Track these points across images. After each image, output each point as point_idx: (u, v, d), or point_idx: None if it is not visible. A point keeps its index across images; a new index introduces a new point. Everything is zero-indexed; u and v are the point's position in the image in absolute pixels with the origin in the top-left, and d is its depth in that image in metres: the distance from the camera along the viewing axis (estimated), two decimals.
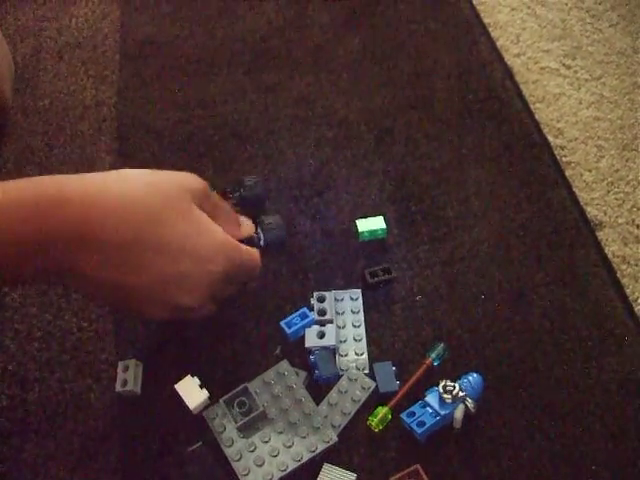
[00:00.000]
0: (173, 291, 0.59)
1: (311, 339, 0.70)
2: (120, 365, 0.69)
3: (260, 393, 0.67)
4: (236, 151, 0.89)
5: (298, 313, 0.71)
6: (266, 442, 0.64)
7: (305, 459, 0.63)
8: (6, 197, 0.52)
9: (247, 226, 0.72)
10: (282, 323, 0.70)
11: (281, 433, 0.65)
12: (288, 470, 0.63)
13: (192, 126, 0.92)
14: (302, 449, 0.64)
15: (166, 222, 0.57)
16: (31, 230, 0.52)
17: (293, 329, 0.69)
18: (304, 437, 0.64)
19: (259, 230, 0.75)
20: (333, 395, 0.68)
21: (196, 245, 0.59)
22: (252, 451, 0.64)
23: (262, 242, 0.73)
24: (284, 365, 0.69)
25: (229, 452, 0.64)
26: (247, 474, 0.63)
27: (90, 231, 0.54)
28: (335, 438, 0.65)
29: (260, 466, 0.63)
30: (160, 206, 0.57)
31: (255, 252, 0.68)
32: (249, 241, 0.71)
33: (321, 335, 0.70)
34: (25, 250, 0.53)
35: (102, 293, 0.60)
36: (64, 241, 0.53)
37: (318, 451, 0.64)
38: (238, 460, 0.64)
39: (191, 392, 0.67)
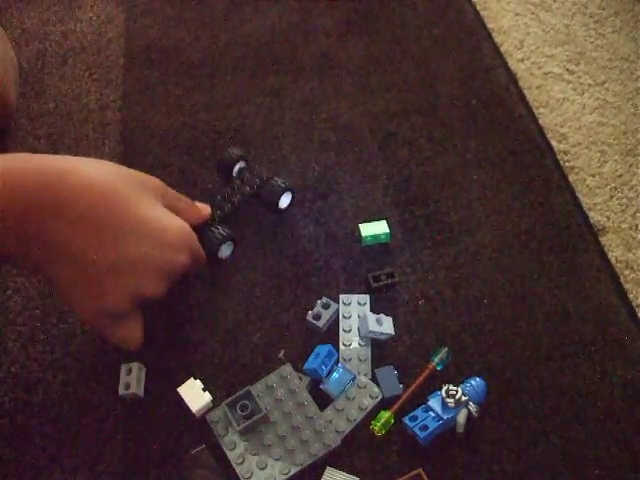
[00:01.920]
0: (138, 273, 0.62)
1: (372, 324, 0.70)
2: (123, 368, 0.69)
3: (262, 396, 0.67)
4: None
5: (324, 354, 0.69)
6: (268, 446, 0.64)
7: (307, 463, 0.63)
8: None
9: (204, 209, 0.76)
10: (309, 367, 0.69)
11: (283, 437, 0.65)
12: (290, 474, 0.63)
13: (196, 130, 0.92)
14: (304, 453, 0.64)
15: (138, 206, 0.61)
16: (13, 196, 0.55)
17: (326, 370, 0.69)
18: (306, 441, 0.64)
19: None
20: (340, 401, 0.68)
21: (165, 233, 0.62)
22: (254, 454, 0.64)
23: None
24: (287, 369, 0.69)
25: (231, 455, 0.64)
26: (249, 477, 0.63)
27: (64, 200, 0.57)
28: (338, 442, 0.65)
29: (262, 469, 0.63)
30: (133, 192, 0.61)
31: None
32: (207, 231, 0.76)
33: (380, 323, 0.71)
34: (4, 217, 0.55)
35: (65, 272, 0.60)
36: (40, 207, 0.56)
37: (320, 455, 0.64)
38: (241, 463, 0.64)
39: (194, 395, 0.67)
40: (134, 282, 0.61)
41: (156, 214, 0.62)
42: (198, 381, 0.68)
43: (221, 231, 0.76)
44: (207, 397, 0.67)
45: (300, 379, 0.68)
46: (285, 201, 0.82)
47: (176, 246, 0.64)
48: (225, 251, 0.79)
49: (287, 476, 0.63)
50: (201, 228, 0.75)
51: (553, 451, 0.66)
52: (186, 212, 0.71)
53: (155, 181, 0.67)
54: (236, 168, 0.83)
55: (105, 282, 0.60)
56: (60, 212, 0.57)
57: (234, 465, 0.64)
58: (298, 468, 0.63)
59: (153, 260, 0.62)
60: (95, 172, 0.60)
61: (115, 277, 0.60)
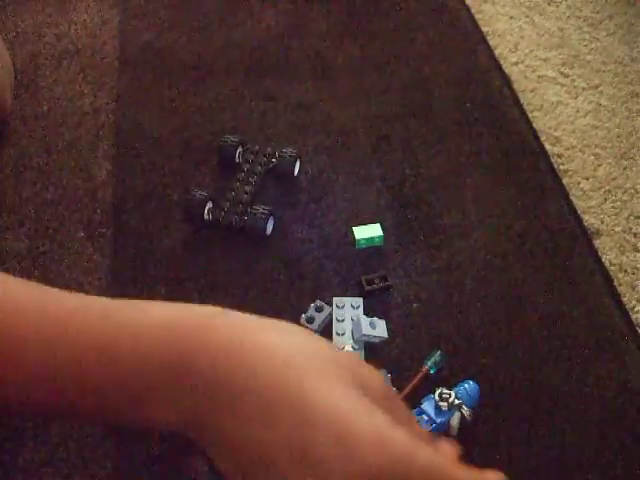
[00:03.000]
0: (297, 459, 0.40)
1: (365, 327, 0.70)
2: None
3: None
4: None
5: None
6: None
7: None
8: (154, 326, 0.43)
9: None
10: None
11: None
12: None
13: (190, 133, 0.92)
14: None
15: (315, 381, 0.42)
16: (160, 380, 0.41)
17: None
18: None
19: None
20: None
21: (347, 423, 0.40)
22: None
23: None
24: None
25: None
26: None
27: (237, 396, 0.41)
28: None
29: None
30: (316, 369, 0.42)
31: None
32: None
33: (373, 326, 0.71)
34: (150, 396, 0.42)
35: (239, 458, 0.42)
36: (198, 389, 0.41)
37: None
38: None
39: None
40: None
41: (340, 400, 0.40)
42: None
43: (263, 209, 0.80)
44: None
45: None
46: (270, 227, 0.82)
47: (355, 444, 0.39)
48: (269, 227, 0.81)
49: None
50: (241, 212, 0.79)
51: (546, 454, 0.66)
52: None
53: (372, 377, 0.45)
54: (237, 153, 0.86)
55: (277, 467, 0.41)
56: (230, 407, 0.41)
57: None
58: None
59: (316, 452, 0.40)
60: (271, 341, 0.43)
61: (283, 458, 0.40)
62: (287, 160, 0.85)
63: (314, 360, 0.43)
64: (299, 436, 0.40)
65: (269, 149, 0.87)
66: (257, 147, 0.87)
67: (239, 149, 0.86)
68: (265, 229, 0.80)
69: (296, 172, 0.87)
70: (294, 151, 0.86)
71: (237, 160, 0.86)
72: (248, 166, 0.85)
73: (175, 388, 0.41)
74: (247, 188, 0.82)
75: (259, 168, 0.85)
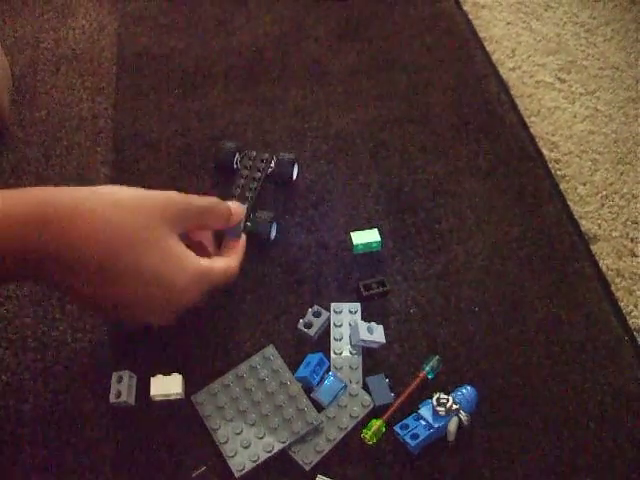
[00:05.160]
0: (141, 311, 0.64)
1: (363, 332, 0.71)
2: (114, 376, 0.69)
3: (247, 377, 0.69)
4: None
5: (315, 362, 0.70)
6: (252, 425, 0.66)
7: (290, 440, 0.65)
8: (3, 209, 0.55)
9: (237, 215, 0.72)
10: (300, 376, 0.69)
11: (267, 415, 0.66)
12: (274, 451, 0.65)
13: (188, 138, 0.93)
14: (287, 431, 0.66)
15: (143, 250, 0.60)
16: (17, 247, 0.55)
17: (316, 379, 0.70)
18: (289, 419, 0.66)
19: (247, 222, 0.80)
20: (331, 409, 0.68)
21: (170, 274, 0.62)
22: (238, 434, 0.66)
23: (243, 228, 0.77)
24: (270, 350, 0.71)
25: (216, 435, 0.66)
26: (234, 456, 0.64)
27: (71, 253, 0.57)
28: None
29: (246, 448, 0.65)
30: (138, 234, 0.59)
31: (230, 264, 0.70)
32: (233, 230, 0.73)
33: (371, 331, 0.71)
34: (9, 261, 0.56)
35: (81, 301, 0.66)
36: (48, 260, 0.56)
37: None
38: (225, 442, 0.65)
39: (164, 384, 0.69)
40: (140, 317, 0.65)
41: (161, 257, 0.61)
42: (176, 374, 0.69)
43: (265, 215, 0.80)
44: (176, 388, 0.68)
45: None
46: (273, 232, 0.82)
47: (186, 290, 0.63)
48: (273, 232, 0.81)
49: (270, 454, 0.64)
50: (245, 218, 0.78)
51: (544, 459, 0.66)
52: (211, 221, 0.69)
53: (173, 205, 0.64)
54: (235, 159, 0.86)
55: (118, 314, 0.65)
56: (67, 264, 0.57)
57: (219, 445, 0.65)
58: (281, 446, 0.65)
59: (158, 304, 0.63)
60: (100, 214, 0.58)
61: (127, 312, 0.64)
62: (285, 165, 0.85)
63: (141, 219, 0.60)
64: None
65: (267, 154, 0.87)
66: (254, 153, 0.87)
67: (237, 155, 0.86)
68: (269, 235, 0.80)
69: (294, 176, 0.87)
70: (292, 156, 0.86)
71: (235, 166, 0.86)
72: (247, 172, 0.85)
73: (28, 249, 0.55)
74: (248, 194, 0.82)
75: (258, 174, 0.85)
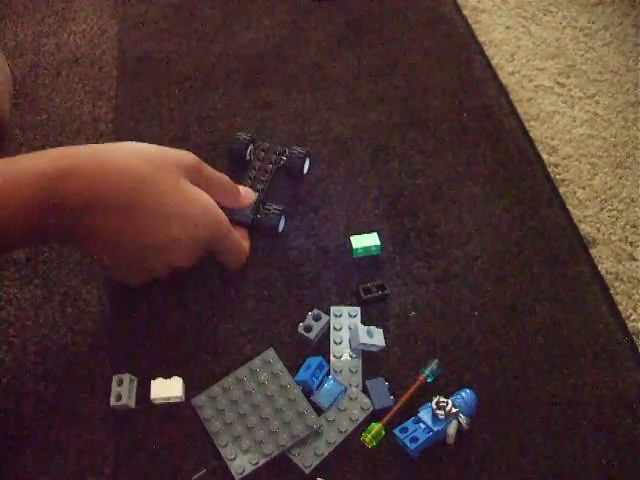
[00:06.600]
0: (164, 254, 0.68)
1: (363, 336, 0.71)
2: (114, 379, 0.69)
3: (247, 381, 0.69)
4: (233, 167, 0.89)
5: (315, 366, 0.70)
6: (252, 428, 0.66)
7: (289, 444, 0.65)
8: (24, 168, 0.60)
9: (246, 198, 0.79)
10: (300, 379, 0.69)
11: (267, 419, 0.66)
12: (273, 455, 0.64)
13: (189, 142, 0.93)
14: (287, 434, 0.66)
15: (158, 192, 0.65)
16: (44, 199, 0.59)
17: (316, 383, 0.70)
18: (288, 422, 0.66)
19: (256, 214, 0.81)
20: (331, 412, 0.68)
21: (184, 212, 0.67)
22: (238, 437, 0.66)
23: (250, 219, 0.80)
24: (270, 353, 0.71)
25: (216, 438, 0.66)
26: (234, 459, 0.64)
27: (95, 201, 0.61)
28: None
29: (246, 451, 0.65)
30: (153, 178, 0.65)
31: (242, 238, 0.77)
32: (241, 215, 0.79)
33: (371, 335, 0.71)
34: (38, 215, 0.60)
35: (103, 253, 0.68)
36: (74, 209, 0.61)
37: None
38: (225, 446, 0.65)
39: (164, 387, 0.69)
40: (165, 259, 0.69)
41: (175, 198, 0.66)
42: (176, 377, 0.70)
43: (275, 207, 0.81)
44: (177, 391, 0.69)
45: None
46: (282, 225, 0.83)
47: (199, 224, 0.68)
48: (282, 224, 0.82)
49: (270, 457, 0.64)
50: (253, 211, 0.80)
51: (543, 463, 0.66)
52: (219, 192, 0.74)
53: (188, 159, 0.70)
54: (248, 151, 0.87)
55: (141, 260, 0.69)
56: (92, 211, 0.62)
57: (219, 448, 0.65)
58: (281, 449, 0.65)
59: (179, 241, 0.67)
60: (125, 160, 0.64)
61: (150, 256, 0.68)
62: (297, 158, 0.86)
63: (160, 166, 0.66)
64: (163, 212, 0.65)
65: (279, 147, 0.88)
66: (267, 144, 0.88)
67: (250, 146, 0.87)
68: (278, 227, 0.81)
69: (305, 170, 0.88)
70: (304, 149, 0.87)
71: (248, 157, 0.87)
72: (259, 163, 0.86)
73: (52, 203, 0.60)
74: (259, 186, 0.83)
75: (270, 166, 0.86)
